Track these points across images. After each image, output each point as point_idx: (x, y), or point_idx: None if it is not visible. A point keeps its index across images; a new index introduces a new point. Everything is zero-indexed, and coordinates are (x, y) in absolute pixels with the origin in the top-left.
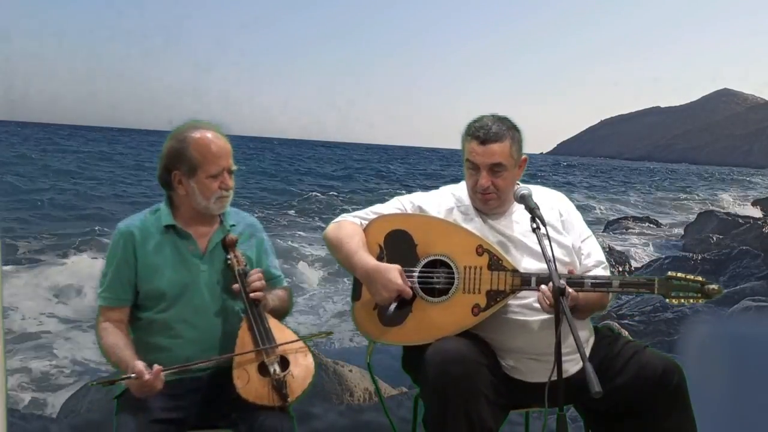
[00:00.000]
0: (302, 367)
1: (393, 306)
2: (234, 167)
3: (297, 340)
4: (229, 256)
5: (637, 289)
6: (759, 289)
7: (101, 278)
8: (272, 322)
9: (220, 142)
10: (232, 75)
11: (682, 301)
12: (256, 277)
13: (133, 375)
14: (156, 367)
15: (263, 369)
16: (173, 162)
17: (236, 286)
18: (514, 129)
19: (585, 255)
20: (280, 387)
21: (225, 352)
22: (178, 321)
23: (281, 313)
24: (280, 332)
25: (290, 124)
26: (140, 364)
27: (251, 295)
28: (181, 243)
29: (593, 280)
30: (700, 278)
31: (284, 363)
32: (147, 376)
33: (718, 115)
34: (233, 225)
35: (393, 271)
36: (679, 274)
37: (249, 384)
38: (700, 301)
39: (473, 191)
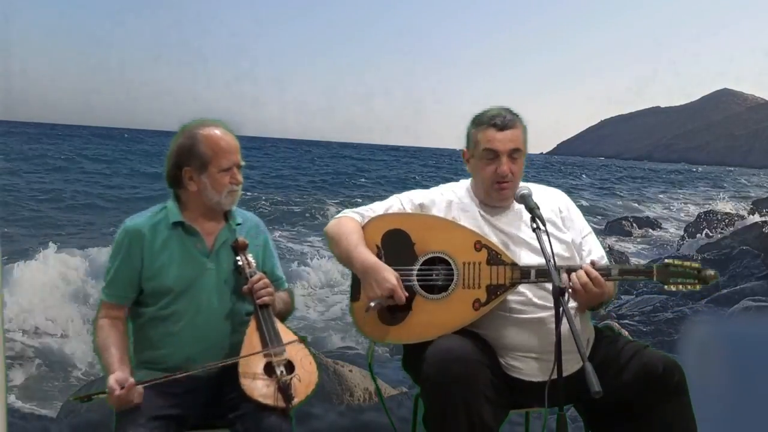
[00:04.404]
0: (307, 373)
1: (376, 302)
2: (242, 162)
3: (296, 340)
4: (238, 258)
5: (635, 277)
6: (759, 289)
7: (105, 274)
8: (278, 325)
9: (229, 137)
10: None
11: (680, 287)
12: (262, 283)
13: (106, 390)
14: (130, 381)
15: (269, 369)
16: (183, 158)
17: (247, 287)
18: (520, 118)
19: (586, 251)
20: (286, 389)
21: (226, 354)
22: (179, 319)
23: (284, 316)
24: (286, 336)
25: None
26: (112, 379)
27: (259, 300)
28: (188, 240)
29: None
30: (696, 264)
31: (290, 367)
32: (117, 392)
33: (718, 115)
34: (239, 224)
35: (390, 273)
36: (676, 261)
37: (254, 382)
38: (697, 287)
39: (491, 181)
